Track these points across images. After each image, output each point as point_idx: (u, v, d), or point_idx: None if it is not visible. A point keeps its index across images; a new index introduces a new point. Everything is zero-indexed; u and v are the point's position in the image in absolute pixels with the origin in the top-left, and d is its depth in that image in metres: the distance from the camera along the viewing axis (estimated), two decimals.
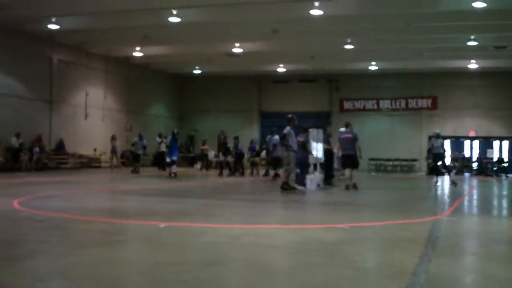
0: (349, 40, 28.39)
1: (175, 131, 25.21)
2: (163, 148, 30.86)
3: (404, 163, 37.89)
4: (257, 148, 28.45)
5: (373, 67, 36.29)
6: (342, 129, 18.69)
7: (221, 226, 9.35)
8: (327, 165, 19.60)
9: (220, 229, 9.03)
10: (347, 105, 40.11)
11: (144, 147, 29.95)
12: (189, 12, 24.26)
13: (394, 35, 27.19)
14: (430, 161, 24.40)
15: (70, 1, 23.44)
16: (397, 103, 39.04)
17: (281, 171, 20.23)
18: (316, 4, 22.02)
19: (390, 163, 38.04)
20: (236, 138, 27.70)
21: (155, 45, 31.79)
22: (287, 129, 16.55)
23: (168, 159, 24.79)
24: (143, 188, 17.63)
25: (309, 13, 22.85)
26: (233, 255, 6.91)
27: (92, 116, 33.53)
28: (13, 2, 23.84)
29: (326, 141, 19.79)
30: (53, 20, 25.77)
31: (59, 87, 31.02)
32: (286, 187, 16.28)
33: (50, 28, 26.61)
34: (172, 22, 24.52)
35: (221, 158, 27.62)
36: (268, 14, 24.32)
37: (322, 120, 31.86)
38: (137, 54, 33.20)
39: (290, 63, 36.99)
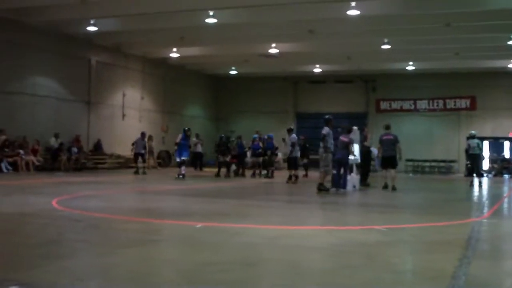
0: (386, 40, 28.14)
1: (186, 128, 23.88)
2: (199, 149, 31.11)
3: (442, 164, 37.42)
4: (261, 147, 26.34)
5: (410, 67, 35.91)
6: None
7: (258, 226, 9.33)
8: (363, 166, 19.45)
9: (256, 229, 9.02)
10: (383, 105, 39.78)
11: (144, 147, 27.54)
12: (225, 13, 24.36)
13: (432, 35, 26.85)
14: (467, 162, 24.13)
15: (108, 3, 23.71)
16: (435, 104, 38.57)
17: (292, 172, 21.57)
18: (353, 4, 21.90)
19: (428, 164, 37.61)
20: (239, 138, 27.36)
21: (191, 46, 31.96)
22: (326, 129, 16.45)
23: (177, 159, 23.17)
24: (179, 189, 17.71)
25: (346, 14, 22.73)
26: (270, 256, 6.89)
27: (129, 117, 33.84)
28: (53, 6, 24.26)
29: (363, 141, 19.67)
30: (92, 22, 26.13)
31: (97, 88, 31.41)
32: (322, 188, 16.19)
33: (88, 31, 26.99)
34: (209, 23, 24.63)
35: (220, 158, 26.17)
36: (304, 15, 24.24)
37: (358, 121, 31.58)
38: (174, 55, 33.40)
39: (326, 64, 36.83)
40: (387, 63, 35.73)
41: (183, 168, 22.35)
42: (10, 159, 24.41)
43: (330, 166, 16.59)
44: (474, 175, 21.99)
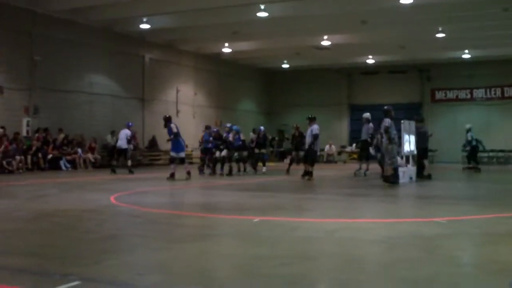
0: (440, 29, 27.59)
1: (167, 115, 20.52)
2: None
3: (500, 154, 36.47)
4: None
5: (466, 55, 35.12)
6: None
7: (315, 220, 9.28)
8: (419, 158, 19.14)
9: (314, 223, 8.96)
10: (439, 95, 39.09)
11: (129, 141, 23.27)
12: (277, 7, 24.30)
13: (489, 21, 26.14)
14: None
15: (160, 1, 23.95)
16: (492, 92, 37.69)
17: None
18: None
19: (486, 154, 36.73)
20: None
21: (243, 41, 32.02)
22: (388, 121, 16.22)
23: (173, 153, 19.29)
24: (234, 183, 17.76)
25: (399, 2, 22.39)
26: (328, 249, 6.84)
27: (183, 113, 34.13)
28: (107, 5, 24.68)
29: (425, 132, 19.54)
30: (144, 20, 26.46)
31: (151, 85, 31.80)
32: (392, 181, 15.98)
33: (141, 28, 27.35)
34: (260, 17, 24.61)
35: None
36: (357, 5, 24.00)
37: (413, 112, 31.08)
38: (226, 50, 33.53)
39: (379, 54, 36.38)
40: (442, 52, 35.00)
41: (186, 165, 19.49)
42: (69, 157, 24.99)
43: (396, 158, 16.38)
44: None
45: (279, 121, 41.95)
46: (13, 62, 24.02)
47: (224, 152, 21.47)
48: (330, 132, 37.68)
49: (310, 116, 19.38)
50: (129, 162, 22.89)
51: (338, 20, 26.71)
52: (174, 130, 19.15)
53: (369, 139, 20.10)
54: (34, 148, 23.40)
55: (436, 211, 10.60)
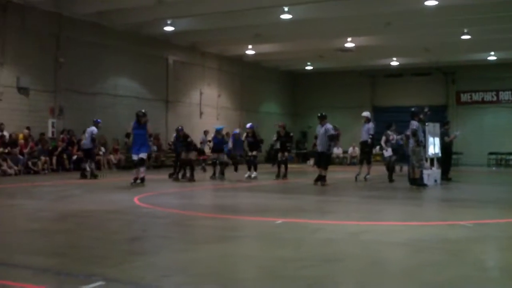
0: (465, 30, 27.32)
1: (141, 111, 17.20)
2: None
3: None
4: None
5: (492, 57, 34.72)
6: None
7: (338, 222, 9.24)
8: (445, 161, 18.97)
9: (337, 225, 8.92)
10: (464, 98, 38.68)
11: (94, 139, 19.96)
12: (300, 9, 24.25)
13: None
14: None
15: (183, 3, 24.03)
16: None
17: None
18: None
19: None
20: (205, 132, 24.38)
21: (267, 43, 31.99)
22: (415, 123, 16.11)
23: (135, 157, 16.59)
24: (257, 185, 17.76)
25: (423, 4, 22.23)
26: (351, 252, 6.79)
27: (207, 115, 34.20)
28: (131, 8, 24.85)
29: (445, 135, 19.22)
30: (169, 22, 26.57)
31: (174, 87, 31.91)
32: (418, 184, 15.86)
33: (166, 31, 27.46)
34: (284, 19, 24.60)
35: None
36: (381, 7, 23.85)
37: (438, 114, 30.81)
38: (250, 52, 33.55)
39: (403, 57, 36.13)
40: (467, 54, 34.67)
41: (142, 169, 16.35)
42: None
43: (423, 160, 16.26)
44: None
45: (303, 123, 41.85)
46: (39, 64, 24.24)
47: (192, 155, 19.16)
48: (354, 134, 37.52)
49: (321, 114, 17.72)
50: (93, 165, 20.09)
51: (361, 22, 26.57)
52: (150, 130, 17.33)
53: (369, 140, 19.32)
54: (59, 149, 23.61)
55: (462, 214, 10.50)
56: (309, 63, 39.30)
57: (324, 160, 17.01)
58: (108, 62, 27.39)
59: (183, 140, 19.45)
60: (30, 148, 22.19)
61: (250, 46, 32.67)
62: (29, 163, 21.95)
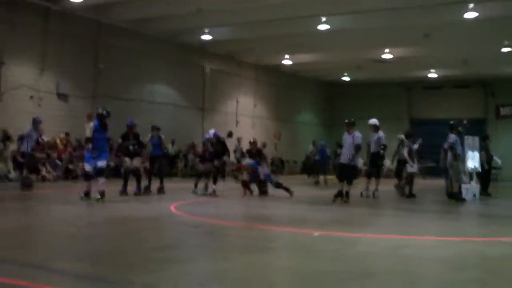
0: (506, 43, 26.92)
1: (103, 111, 13.79)
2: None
3: None
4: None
5: None
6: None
7: (376, 236, 9.11)
8: (484, 175, 18.62)
9: (375, 239, 8.81)
10: (504, 111, 38.03)
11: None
12: (338, 19, 24.18)
13: None
14: None
15: (221, 12, 24.15)
16: None
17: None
18: (471, 6, 21.15)
19: None
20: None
21: (304, 53, 31.95)
22: (453, 137, 15.88)
23: (88, 166, 13.47)
24: (287, 196, 17.68)
25: (463, 17, 21.98)
26: (389, 267, 6.68)
27: (243, 124, 34.26)
28: (169, 16, 25.07)
29: (485, 149, 18.85)
30: (206, 31, 26.73)
31: (211, 96, 32.05)
32: (457, 198, 15.62)
33: (203, 39, 27.63)
34: (321, 30, 24.55)
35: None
36: (419, 19, 23.63)
37: (476, 128, 30.40)
38: (286, 62, 33.54)
39: (442, 69, 35.74)
40: (508, 67, 34.12)
41: (101, 180, 13.27)
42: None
43: (462, 174, 16.00)
44: None
45: (339, 134, 41.56)
46: (79, 70, 24.58)
47: (136, 161, 15.35)
48: (392, 146, 37.22)
49: (349, 120, 15.38)
50: (24, 172, 17.14)
51: (400, 33, 26.38)
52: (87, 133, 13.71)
53: (381, 151, 17.42)
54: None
55: (501, 230, 10.30)
56: (346, 74, 39.14)
57: (348, 173, 14.80)
58: (145, 69, 27.65)
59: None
60: (69, 153, 22.46)
61: (287, 56, 32.65)
62: (69, 168, 22.22)
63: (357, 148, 14.73)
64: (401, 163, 18.17)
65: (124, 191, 15.30)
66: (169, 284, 5.45)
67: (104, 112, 13.60)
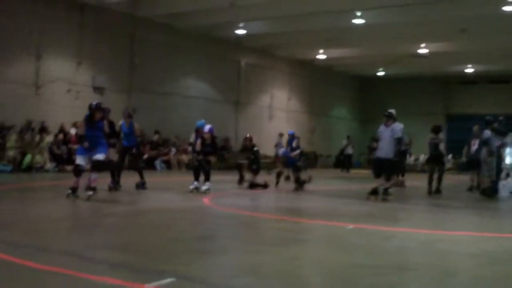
0: None
1: (94, 103, 12.85)
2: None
3: None
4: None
5: None
6: None
7: (409, 230, 9.04)
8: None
9: (409, 233, 8.74)
10: None
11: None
12: (373, 13, 24.01)
13: None
14: None
15: (256, 6, 24.16)
16: None
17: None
18: None
19: None
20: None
21: (338, 48, 31.81)
22: (488, 132, 15.65)
23: (81, 159, 11.89)
24: (326, 189, 17.63)
25: (501, 9, 21.63)
26: (423, 261, 6.62)
27: (277, 118, 34.27)
28: (204, 10, 25.15)
29: None
30: (241, 25, 26.77)
31: (245, 90, 32.12)
32: (490, 194, 15.38)
33: (238, 34, 27.68)
34: (356, 24, 24.39)
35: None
36: (456, 13, 23.35)
37: None
38: (321, 56, 33.41)
39: (479, 63, 35.25)
40: None
41: (94, 176, 11.77)
42: (164, 158, 25.62)
43: (494, 171, 15.74)
44: None
45: (373, 129, 41.29)
46: (114, 64, 24.84)
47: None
48: (426, 141, 36.81)
49: (388, 112, 14.29)
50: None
51: (436, 27, 26.10)
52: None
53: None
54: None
55: None
56: (381, 69, 38.84)
57: (389, 168, 13.79)
58: (180, 63, 27.81)
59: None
60: None
61: (321, 50, 32.53)
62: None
63: (398, 141, 13.70)
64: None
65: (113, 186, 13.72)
66: (201, 275, 5.47)
67: (93, 105, 12.44)
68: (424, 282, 5.65)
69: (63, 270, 5.29)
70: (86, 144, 11.77)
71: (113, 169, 14.08)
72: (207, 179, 14.12)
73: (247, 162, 17.24)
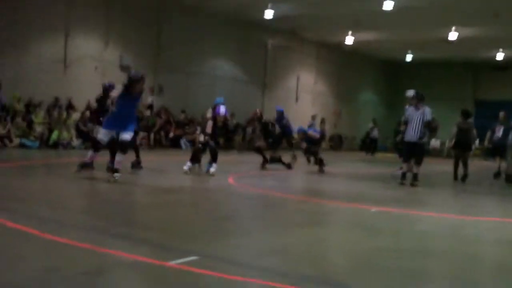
0: None
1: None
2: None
3: None
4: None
5: None
6: None
7: (437, 215, 8.95)
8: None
9: (434, 218, 8.66)
10: None
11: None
12: None
13: None
14: None
15: None
16: None
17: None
18: None
19: None
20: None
21: (367, 31, 31.46)
22: None
23: (104, 135, 10.73)
24: (351, 172, 17.54)
25: None
26: (449, 246, 6.55)
27: (303, 100, 34.14)
28: None
29: None
30: (269, 6, 26.58)
31: (272, 71, 32.01)
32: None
33: (265, 15, 27.49)
34: (386, 8, 24.10)
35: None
36: None
37: None
38: (349, 39, 33.10)
39: (510, 49, 34.66)
40: None
41: (121, 157, 10.57)
42: (189, 137, 25.70)
43: None
44: None
45: (400, 113, 40.97)
46: (141, 43, 24.88)
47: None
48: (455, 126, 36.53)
49: (418, 93, 14.06)
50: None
51: (467, 12, 25.63)
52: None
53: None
54: (157, 126, 24.23)
55: None
56: (409, 53, 38.41)
57: (418, 153, 13.25)
58: (207, 44, 27.76)
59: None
60: None
61: (349, 34, 32.22)
62: None
63: (428, 124, 13.22)
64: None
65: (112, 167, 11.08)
66: (226, 255, 5.46)
67: (137, 76, 11.06)
68: (449, 268, 5.58)
69: (88, 245, 5.32)
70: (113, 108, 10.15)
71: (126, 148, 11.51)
72: (214, 160, 13.12)
73: (264, 143, 16.62)
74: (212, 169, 13.01)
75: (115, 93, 10.40)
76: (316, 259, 5.59)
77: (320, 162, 16.20)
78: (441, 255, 6.04)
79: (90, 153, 10.84)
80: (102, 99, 12.14)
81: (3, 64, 20.34)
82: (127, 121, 10.52)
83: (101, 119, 11.83)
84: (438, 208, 10.07)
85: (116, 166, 10.55)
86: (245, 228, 7.02)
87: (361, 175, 16.93)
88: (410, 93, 14.94)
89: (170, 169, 14.34)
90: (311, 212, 8.67)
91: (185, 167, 13.07)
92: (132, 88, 10.62)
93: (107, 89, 12.13)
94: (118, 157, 10.52)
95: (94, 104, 12.88)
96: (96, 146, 10.76)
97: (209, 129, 13.37)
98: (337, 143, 35.26)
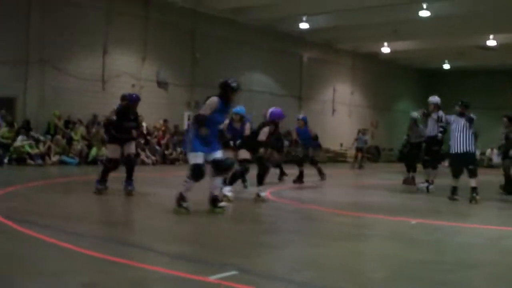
0: None
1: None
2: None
3: None
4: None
5: None
6: None
7: (477, 226, 8.81)
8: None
9: (476, 229, 8.53)
10: None
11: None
12: (440, 5, 23.51)
13: None
14: None
15: (320, 0, 24.00)
16: None
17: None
18: None
19: None
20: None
21: (403, 40, 31.29)
22: None
23: (199, 158, 8.72)
24: (390, 184, 17.36)
25: None
26: (491, 258, 6.43)
27: (339, 112, 34.03)
28: (266, 5, 25.16)
29: None
30: (304, 19, 26.64)
31: (308, 84, 32.00)
32: None
33: (300, 28, 27.55)
34: (422, 16, 23.93)
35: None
36: None
37: None
38: (385, 49, 32.93)
39: None
40: None
41: (218, 180, 9.13)
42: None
43: None
44: None
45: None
46: (177, 59, 25.14)
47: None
48: (495, 136, 35.89)
49: (463, 101, 12.70)
50: None
51: (506, 18, 25.30)
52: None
53: (439, 135, 14.13)
54: None
55: None
56: (447, 61, 38.02)
57: (473, 162, 11.98)
58: (242, 58, 27.90)
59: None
60: (166, 140, 23.10)
61: (385, 43, 32.07)
62: (166, 153, 22.84)
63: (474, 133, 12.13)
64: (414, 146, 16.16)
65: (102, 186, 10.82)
66: (263, 268, 5.45)
67: (235, 86, 9.63)
68: (489, 280, 5.49)
69: (125, 261, 5.37)
70: (204, 131, 8.63)
71: (133, 165, 11.23)
72: (261, 181, 11.16)
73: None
74: (262, 194, 11.06)
75: (206, 111, 8.88)
76: (354, 272, 5.55)
77: (321, 172, 16.26)
78: (483, 268, 5.93)
79: (217, 181, 9.13)
80: (125, 112, 11.02)
81: (43, 84, 20.77)
82: (213, 138, 8.91)
83: (114, 133, 10.93)
84: (478, 219, 9.90)
85: (215, 191, 9.06)
86: (283, 241, 6.99)
87: (399, 186, 16.68)
88: (434, 99, 14.94)
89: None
90: (350, 225, 8.61)
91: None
92: (229, 99, 9.34)
93: (134, 100, 11.15)
94: (217, 181, 9.07)
95: (112, 117, 11.32)
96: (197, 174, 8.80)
97: (263, 136, 11.28)
98: (375, 154, 34.98)
